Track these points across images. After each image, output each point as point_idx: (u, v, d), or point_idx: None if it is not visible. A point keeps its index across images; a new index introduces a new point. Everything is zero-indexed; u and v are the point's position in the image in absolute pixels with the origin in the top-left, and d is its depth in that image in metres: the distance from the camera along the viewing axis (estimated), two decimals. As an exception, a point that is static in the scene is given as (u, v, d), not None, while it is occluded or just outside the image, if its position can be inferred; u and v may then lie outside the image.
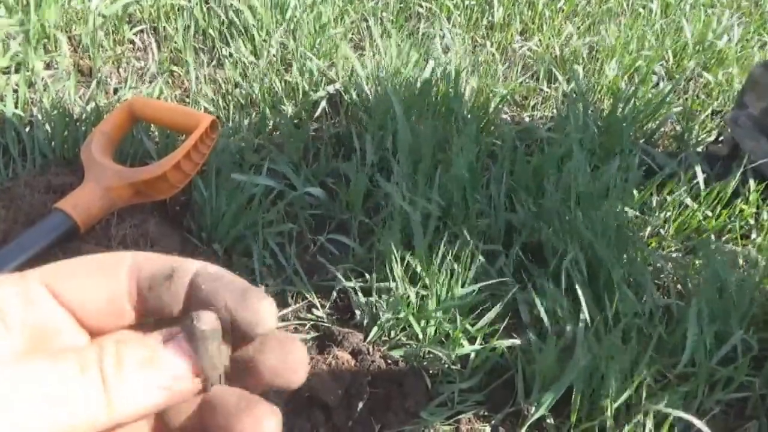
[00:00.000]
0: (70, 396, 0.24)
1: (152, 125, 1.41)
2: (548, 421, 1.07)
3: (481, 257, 1.22)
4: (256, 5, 1.78)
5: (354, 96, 1.61)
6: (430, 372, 1.12)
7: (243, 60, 1.69)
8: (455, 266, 1.19)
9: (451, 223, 1.30)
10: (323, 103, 1.60)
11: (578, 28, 2.11)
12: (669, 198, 1.47)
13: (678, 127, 1.78)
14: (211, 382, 0.27)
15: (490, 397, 1.12)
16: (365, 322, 1.18)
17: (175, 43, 1.71)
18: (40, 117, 1.40)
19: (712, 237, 1.44)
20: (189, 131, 1.27)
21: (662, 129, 1.76)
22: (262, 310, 0.27)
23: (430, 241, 1.23)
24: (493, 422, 1.09)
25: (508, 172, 1.41)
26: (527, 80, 1.88)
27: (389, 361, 1.12)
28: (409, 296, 1.16)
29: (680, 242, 1.42)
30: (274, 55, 1.71)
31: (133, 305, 0.28)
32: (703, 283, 1.23)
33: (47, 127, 1.37)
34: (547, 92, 1.85)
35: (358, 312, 1.20)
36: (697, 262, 1.33)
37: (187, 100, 1.59)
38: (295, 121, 1.57)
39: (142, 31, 1.78)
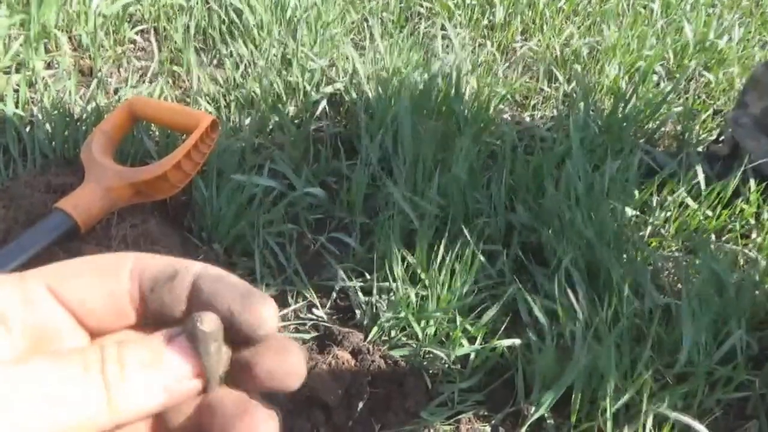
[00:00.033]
0: (70, 396, 0.24)
1: (152, 125, 1.42)
2: (548, 421, 1.07)
3: (481, 257, 1.22)
4: (256, 5, 1.78)
5: (354, 96, 1.61)
6: (430, 372, 1.12)
7: (243, 60, 1.69)
8: (455, 266, 1.19)
9: (451, 223, 1.30)
10: (324, 103, 1.60)
11: (579, 27, 2.11)
12: (669, 198, 1.46)
13: (678, 127, 1.78)
14: (212, 383, 0.27)
15: (490, 397, 1.12)
16: (365, 321, 1.18)
17: (176, 43, 1.71)
18: (40, 117, 1.41)
19: (713, 237, 1.44)
20: (189, 131, 1.27)
21: (663, 129, 1.76)
22: (264, 312, 0.27)
23: (431, 241, 1.23)
24: (493, 422, 1.09)
25: (508, 171, 1.41)
26: (527, 80, 1.88)
27: (389, 361, 1.12)
28: (409, 296, 1.16)
29: (680, 242, 1.42)
30: (274, 55, 1.71)
31: (135, 306, 0.29)
32: (699, 282, 1.22)
33: (48, 126, 1.37)
34: (547, 92, 1.85)
35: (358, 312, 1.20)
36: (697, 261, 1.33)
37: (188, 99, 1.59)
38: (296, 121, 1.57)
39: (142, 30, 1.78)
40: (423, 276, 1.20)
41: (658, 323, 1.15)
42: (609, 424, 1.04)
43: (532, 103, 1.81)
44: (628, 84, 1.86)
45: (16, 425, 0.23)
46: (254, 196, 1.32)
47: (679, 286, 1.32)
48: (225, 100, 1.61)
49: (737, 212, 1.48)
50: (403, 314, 1.14)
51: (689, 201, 1.47)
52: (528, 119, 1.76)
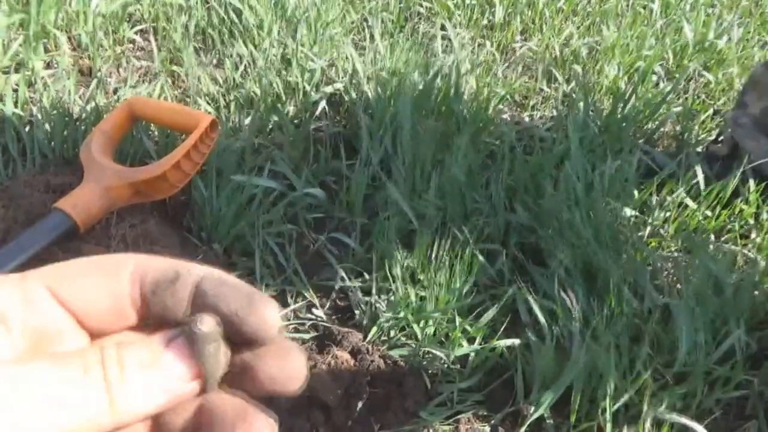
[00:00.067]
0: (71, 397, 0.24)
1: (152, 125, 1.42)
2: (547, 421, 1.07)
3: (480, 257, 1.22)
4: (255, 5, 1.78)
5: (354, 96, 1.61)
6: (430, 372, 1.12)
7: (243, 60, 1.69)
8: (454, 266, 1.19)
9: (451, 223, 1.30)
10: (323, 103, 1.60)
11: (578, 28, 2.11)
12: (668, 198, 1.47)
13: (678, 127, 1.78)
14: (211, 385, 0.27)
15: (490, 397, 1.12)
16: (365, 322, 1.18)
17: (175, 42, 1.71)
18: (39, 116, 1.40)
19: (712, 237, 1.44)
20: (189, 131, 1.27)
21: (662, 129, 1.76)
22: (267, 315, 0.27)
23: (430, 241, 1.23)
24: (492, 422, 1.09)
25: (507, 171, 1.41)
26: (527, 80, 1.88)
27: (389, 361, 1.12)
28: (408, 296, 1.16)
29: (679, 242, 1.42)
30: (274, 55, 1.71)
31: (136, 308, 0.29)
32: (696, 282, 1.23)
33: (47, 126, 1.37)
34: (546, 92, 1.85)
35: (357, 312, 1.20)
36: (697, 261, 1.33)
37: (187, 99, 1.59)
38: (295, 121, 1.57)
39: (142, 30, 1.78)
40: (422, 276, 1.20)
41: (657, 323, 1.15)
42: (608, 423, 1.04)
43: (532, 103, 1.81)
44: (627, 84, 1.87)
45: (16, 425, 0.23)
46: (254, 196, 1.32)
47: (679, 286, 1.32)
48: (224, 100, 1.61)
49: (736, 212, 1.48)
50: (402, 314, 1.15)
51: (688, 201, 1.47)
52: (527, 119, 1.76)
